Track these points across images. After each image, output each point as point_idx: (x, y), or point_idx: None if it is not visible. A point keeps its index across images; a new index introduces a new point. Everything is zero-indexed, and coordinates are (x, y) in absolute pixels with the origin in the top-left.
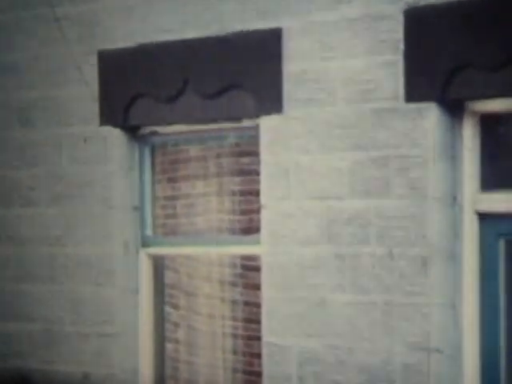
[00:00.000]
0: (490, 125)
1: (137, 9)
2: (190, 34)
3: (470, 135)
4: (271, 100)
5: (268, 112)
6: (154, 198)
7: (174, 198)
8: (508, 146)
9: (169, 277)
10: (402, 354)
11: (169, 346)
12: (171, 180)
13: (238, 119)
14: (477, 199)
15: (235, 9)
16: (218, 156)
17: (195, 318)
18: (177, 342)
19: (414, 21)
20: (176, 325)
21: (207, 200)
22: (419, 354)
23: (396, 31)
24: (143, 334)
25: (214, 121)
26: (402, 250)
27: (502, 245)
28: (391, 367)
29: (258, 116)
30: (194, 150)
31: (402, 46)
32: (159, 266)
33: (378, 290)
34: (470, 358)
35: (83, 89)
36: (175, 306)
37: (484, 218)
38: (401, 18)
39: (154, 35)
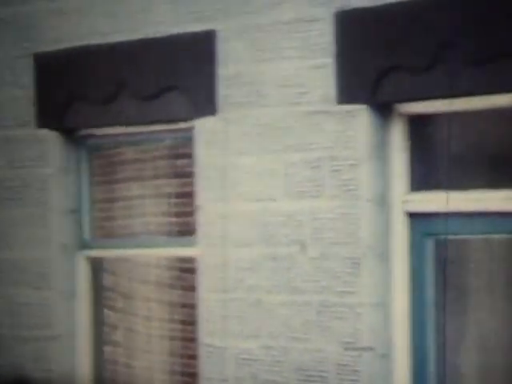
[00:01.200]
0: (418, 126)
1: (72, 11)
2: (125, 36)
3: (399, 136)
4: (206, 102)
5: (203, 114)
6: (92, 201)
7: (111, 200)
8: (436, 146)
9: (107, 279)
10: (335, 353)
11: (107, 349)
12: (108, 182)
13: (174, 121)
14: (406, 199)
15: (170, 11)
16: (155, 158)
17: (133, 320)
18: (115, 344)
19: (344, 24)
20: (114, 327)
21: (144, 202)
22: (352, 353)
23: (327, 34)
24: (82, 337)
25: (150, 123)
26: (336, 251)
27: (430, 244)
28: (325, 367)
29: (193, 118)
30: (130, 153)
31: (333, 49)
32: (97, 269)
33: (312, 291)
34: (400, 356)
35: (19, 91)
36: (113, 309)
37: (413, 217)
38: (331, 21)
39: (90, 38)
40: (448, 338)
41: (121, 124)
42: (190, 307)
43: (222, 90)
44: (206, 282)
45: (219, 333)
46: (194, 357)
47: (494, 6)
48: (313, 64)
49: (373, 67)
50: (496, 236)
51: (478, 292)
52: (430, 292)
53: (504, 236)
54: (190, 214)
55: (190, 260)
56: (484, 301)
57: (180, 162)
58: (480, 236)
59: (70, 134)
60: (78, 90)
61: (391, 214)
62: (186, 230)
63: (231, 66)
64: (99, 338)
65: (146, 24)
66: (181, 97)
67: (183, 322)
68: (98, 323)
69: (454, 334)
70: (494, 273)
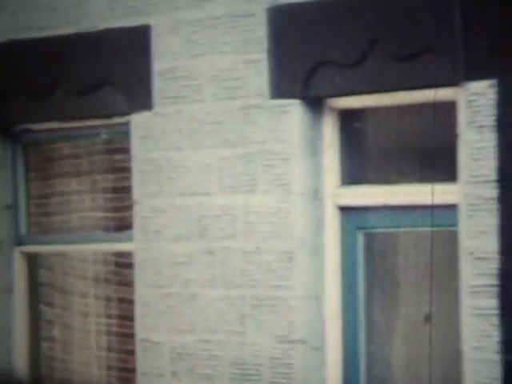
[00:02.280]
0: (348, 121)
1: (7, 4)
2: (61, 30)
3: (330, 131)
4: (141, 97)
5: (138, 109)
6: (28, 196)
7: (47, 195)
8: (366, 141)
9: (43, 275)
10: (269, 346)
11: (44, 345)
12: (45, 178)
13: (110, 116)
14: (337, 193)
15: (104, 5)
16: (91, 153)
17: (70, 315)
18: (52, 340)
19: (277, 19)
20: (51, 323)
21: (81, 197)
22: (285, 346)
23: (260, 29)
24: (18, 333)
25: (86, 118)
26: (269, 245)
27: (361, 237)
28: (259, 360)
29: (128, 113)
30: (67, 148)
31: (266, 44)
32: (34, 265)
33: (246, 285)
34: (332, 349)
35: None
36: (50, 305)
37: (344, 211)
38: (264, 16)
39: (25, 31)
40: (378, 330)
41: (57, 119)
42: (126, 302)
43: (158, 85)
44: (142, 277)
45: (155, 327)
46: (130, 352)
47: (419, 3)
48: (247, 59)
49: (304, 62)
50: (424, 229)
51: (407, 284)
52: (361, 285)
53: (431, 229)
54: (127, 208)
55: (127, 255)
56: (412, 293)
57: (116, 157)
58: (408, 229)
59: (5, 130)
60: (14, 85)
61: (323, 208)
62: (122, 224)
63: (166, 60)
64: (36, 334)
65: (82, 18)
66: (116, 91)
67: (120, 317)
68: (35, 319)
69: (384, 326)
70: (421, 265)
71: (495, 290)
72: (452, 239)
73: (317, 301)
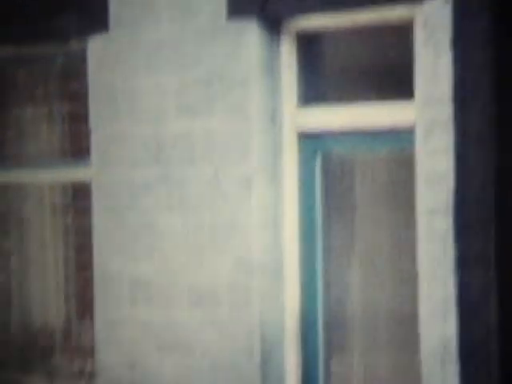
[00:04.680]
0: (306, 43)
1: None
2: None
3: (287, 52)
4: (98, 21)
5: (94, 33)
6: None
7: (2, 123)
8: (323, 62)
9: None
10: (227, 272)
11: (0, 277)
12: (0, 105)
13: (66, 41)
14: (295, 116)
15: None
16: (47, 80)
17: (27, 246)
18: (9, 271)
19: None
20: (8, 254)
21: (37, 125)
22: (244, 271)
23: None
24: None
25: (42, 43)
26: (227, 171)
27: (319, 160)
28: (218, 287)
29: (85, 37)
30: (22, 75)
31: None
32: None
33: (204, 211)
34: (290, 274)
35: None
36: (7, 236)
37: (302, 135)
38: None
39: None
40: (336, 253)
41: (11, 44)
42: (84, 231)
43: (114, 9)
44: (99, 205)
45: (113, 256)
46: (88, 281)
47: None
48: None
49: None
50: (381, 151)
51: (364, 207)
52: (319, 210)
53: (388, 151)
54: (84, 135)
55: (84, 183)
56: (368, 215)
57: (73, 84)
58: (366, 152)
59: None
60: None
61: (282, 132)
62: (79, 152)
63: None
64: None
65: None
66: (73, 16)
67: (78, 247)
68: None
69: (342, 249)
70: (378, 187)
71: (451, 209)
72: (409, 161)
73: (275, 226)
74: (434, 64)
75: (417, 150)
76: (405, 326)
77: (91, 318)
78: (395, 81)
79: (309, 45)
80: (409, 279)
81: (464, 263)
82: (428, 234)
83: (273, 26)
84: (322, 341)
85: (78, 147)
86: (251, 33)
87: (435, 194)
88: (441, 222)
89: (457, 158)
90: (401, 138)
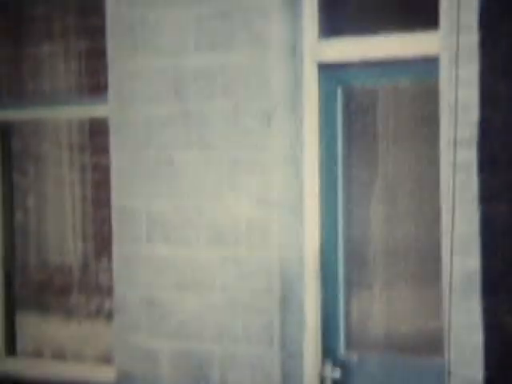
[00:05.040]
0: None
1: None
2: None
3: None
4: None
5: None
6: None
7: (19, 59)
8: None
9: (16, 143)
10: (247, 210)
11: (18, 215)
12: (16, 41)
13: None
14: (316, 48)
15: None
16: (64, 15)
17: (44, 184)
18: (26, 210)
19: None
20: (25, 193)
21: (54, 61)
22: (263, 208)
23: None
24: None
25: None
26: (247, 106)
27: (340, 93)
28: (237, 224)
29: None
30: (39, 10)
31: None
32: (6, 133)
33: (224, 147)
34: (310, 210)
35: None
36: (24, 174)
37: (323, 66)
38: None
39: None
40: (357, 189)
41: None
42: (102, 169)
43: None
44: (117, 142)
45: (131, 193)
46: (107, 220)
47: None
48: None
49: None
50: (404, 82)
51: (386, 140)
52: (340, 144)
53: (411, 82)
54: (101, 71)
55: (102, 120)
56: (390, 148)
57: (90, 19)
58: (388, 83)
59: None
60: None
61: (302, 64)
62: (96, 88)
63: None
64: (9, 204)
65: None
66: None
67: (96, 185)
68: (8, 189)
69: (363, 185)
70: (400, 120)
71: (475, 141)
72: (433, 92)
73: (295, 161)
74: None
75: (441, 81)
76: (427, 261)
77: (109, 256)
78: (419, 9)
79: None
80: (432, 213)
81: (488, 196)
82: (451, 167)
83: None
84: (343, 277)
85: (95, 83)
86: None
87: (459, 126)
88: (464, 155)
89: (482, 88)
90: (425, 69)
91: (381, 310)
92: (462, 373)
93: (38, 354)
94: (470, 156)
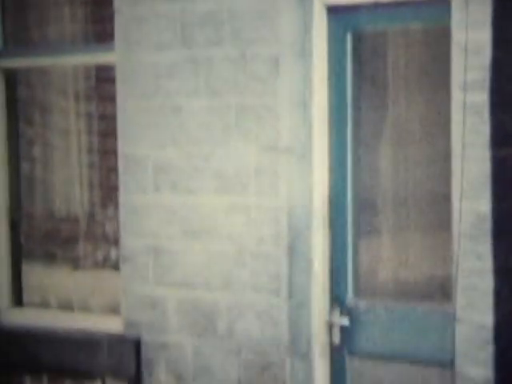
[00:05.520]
0: None
1: None
2: None
3: None
4: None
5: None
6: (3, 8)
7: (24, 7)
8: None
9: (22, 92)
10: (254, 157)
11: (24, 165)
12: None
13: None
14: None
15: None
16: None
17: (50, 134)
18: (32, 159)
19: None
20: (31, 142)
21: (59, 8)
22: (271, 156)
23: None
24: None
25: None
26: (255, 51)
27: (349, 36)
28: (245, 171)
29: None
30: None
31: None
32: (11, 81)
33: (231, 93)
34: (319, 156)
35: None
36: (30, 123)
37: (332, 9)
38: None
39: None
40: (366, 135)
41: None
42: (109, 118)
43: None
44: (124, 91)
45: (138, 142)
46: (113, 169)
47: None
48: None
49: None
50: (415, 24)
51: (397, 84)
52: (349, 89)
53: (422, 23)
54: (107, 18)
55: (108, 67)
56: (401, 92)
57: None
58: (399, 25)
59: None
60: None
61: (310, 8)
62: (102, 35)
63: None
64: (15, 154)
65: None
66: None
67: (102, 134)
68: (14, 138)
69: (373, 130)
70: (411, 63)
71: (487, 84)
72: (444, 35)
73: (304, 107)
74: None
75: (453, 23)
76: (437, 206)
77: (115, 205)
78: None
79: None
80: (442, 157)
81: (499, 140)
82: (463, 110)
83: None
84: (351, 224)
85: (101, 30)
86: None
87: (471, 68)
88: (476, 97)
89: (494, 30)
90: (436, 10)
91: (390, 256)
92: (471, 318)
93: (44, 304)
94: (481, 99)
